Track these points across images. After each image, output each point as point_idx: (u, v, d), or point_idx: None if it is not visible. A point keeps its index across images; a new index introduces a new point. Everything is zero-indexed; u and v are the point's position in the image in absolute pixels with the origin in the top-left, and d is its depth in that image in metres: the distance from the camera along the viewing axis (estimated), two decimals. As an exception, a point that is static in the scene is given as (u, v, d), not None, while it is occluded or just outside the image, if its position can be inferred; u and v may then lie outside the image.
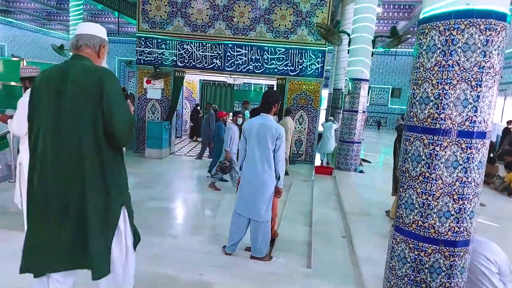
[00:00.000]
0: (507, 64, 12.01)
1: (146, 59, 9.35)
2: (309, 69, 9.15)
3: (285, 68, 9.18)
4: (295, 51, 9.12)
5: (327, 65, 15.05)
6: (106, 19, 19.20)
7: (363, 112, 8.07)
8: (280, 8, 9.00)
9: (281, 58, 9.16)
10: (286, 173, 8.01)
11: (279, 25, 9.06)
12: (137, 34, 9.33)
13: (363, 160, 9.10)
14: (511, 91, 11.50)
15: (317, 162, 9.50)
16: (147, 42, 9.28)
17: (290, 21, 9.03)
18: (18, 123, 3.36)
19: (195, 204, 5.94)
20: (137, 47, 9.37)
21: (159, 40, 9.23)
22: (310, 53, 9.09)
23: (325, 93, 16.20)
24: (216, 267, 3.16)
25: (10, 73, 7.02)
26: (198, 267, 3.13)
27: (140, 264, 3.13)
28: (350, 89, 7.77)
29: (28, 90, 3.52)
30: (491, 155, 8.21)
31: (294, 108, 9.22)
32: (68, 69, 1.85)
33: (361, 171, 8.07)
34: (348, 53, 8.32)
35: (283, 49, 9.12)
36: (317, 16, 8.89)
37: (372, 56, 7.75)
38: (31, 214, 1.91)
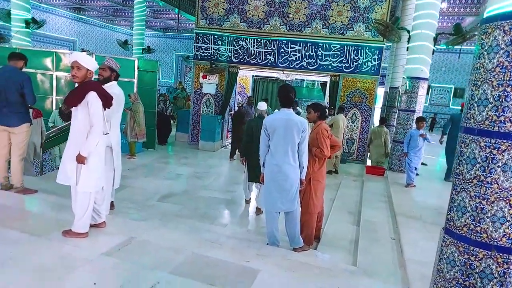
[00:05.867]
0: None
1: (203, 54, 9.70)
2: (364, 66, 8.96)
3: (339, 65, 9.07)
4: (350, 48, 8.97)
5: (384, 62, 14.54)
6: (167, 15, 20.11)
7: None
8: (337, 4, 8.88)
9: (335, 55, 9.06)
10: (336, 172, 7.98)
11: (335, 21, 8.96)
12: (195, 30, 9.71)
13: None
14: None
15: (368, 162, 9.29)
16: (205, 38, 9.63)
17: (347, 17, 8.89)
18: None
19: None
20: (195, 43, 9.76)
21: (216, 36, 9.54)
22: (367, 50, 8.89)
23: (381, 91, 15.67)
24: (262, 256, 3.29)
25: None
26: (245, 255, 3.28)
27: (193, 247, 3.35)
28: (408, 88, 7.51)
29: (114, 83, 3.87)
30: None
31: (347, 105, 9.10)
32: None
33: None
34: (407, 50, 8.02)
35: (338, 46, 9.01)
36: (375, 12, 8.67)
37: (433, 54, 7.42)
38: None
